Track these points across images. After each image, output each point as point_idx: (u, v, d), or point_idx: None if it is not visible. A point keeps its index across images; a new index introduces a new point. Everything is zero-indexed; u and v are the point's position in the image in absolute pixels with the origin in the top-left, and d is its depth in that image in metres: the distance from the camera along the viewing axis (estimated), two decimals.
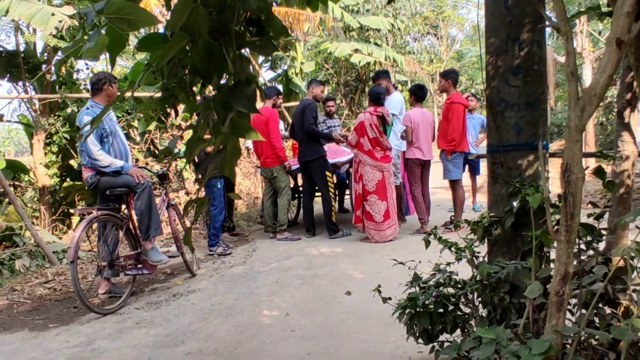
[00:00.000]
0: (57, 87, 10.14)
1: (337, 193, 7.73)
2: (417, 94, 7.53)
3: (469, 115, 8.52)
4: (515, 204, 2.67)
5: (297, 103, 9.20)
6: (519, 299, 2.52)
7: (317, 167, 7.34)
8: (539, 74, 2.74)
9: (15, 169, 9.98)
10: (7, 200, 7.89)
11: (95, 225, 4.98)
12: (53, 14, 7.28)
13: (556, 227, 1.87)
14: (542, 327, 2.10)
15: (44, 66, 10.05)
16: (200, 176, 6.72)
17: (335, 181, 7.54)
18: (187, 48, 1.58)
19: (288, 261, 6.19)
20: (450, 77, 7.21)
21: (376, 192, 6.83)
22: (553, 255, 2.36)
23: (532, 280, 2.03)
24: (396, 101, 7.58)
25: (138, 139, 10.04)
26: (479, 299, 2.84)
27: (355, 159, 7.06)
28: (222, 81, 1.67)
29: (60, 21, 7.24)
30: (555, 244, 1.93)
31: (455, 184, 7.25)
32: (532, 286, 1.90)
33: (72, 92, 9.69)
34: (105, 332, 4.20)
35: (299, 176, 8.57)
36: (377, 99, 6.95)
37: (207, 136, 1.72)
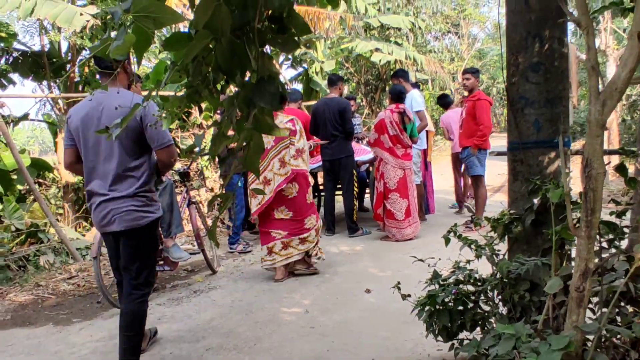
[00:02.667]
0: (80, 87, 10.29)
1: (357, 191, 7.74)
2: (440, 103, 9.55)
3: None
4: (535, 201, 2.66)
5: (314, 102, 9.18)
6: (539, 297, 2.52)
7: (350, 165, 7.34)
8: (559, 70, 2.73)
9: (40, 167, 10.14)
10: (32, 197, 8.05)
11: None
12: (81, 14, 7.38)
13: (577, 224, 1.87)
14: (562, 324, 2.10)
15: (68, 66, 10.21)
16: (224, 171, 6.79)
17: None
18: (211, 46, 1.61)
19: None
20: (478, 74, 7.43)
21: (397, 190, 6.81)
22: (574, 253, 2.35)
23: (553, 277, 2.03)
24: (415, 97, 7.55)
25: None
26: (499, 297, 2.84)
27: (377, 157, 7.06)
28: (245, 79, 1.70)
29: (87, 20, 7.32)
30: (575, 241, 1.93)
31: (478, 181, 7.23)
32: (551, 282, 1.89)
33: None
34: None
35: (319, 175, 8.57)
36: (398, 97, 6.96)
37: (230, 132, 1.75)
